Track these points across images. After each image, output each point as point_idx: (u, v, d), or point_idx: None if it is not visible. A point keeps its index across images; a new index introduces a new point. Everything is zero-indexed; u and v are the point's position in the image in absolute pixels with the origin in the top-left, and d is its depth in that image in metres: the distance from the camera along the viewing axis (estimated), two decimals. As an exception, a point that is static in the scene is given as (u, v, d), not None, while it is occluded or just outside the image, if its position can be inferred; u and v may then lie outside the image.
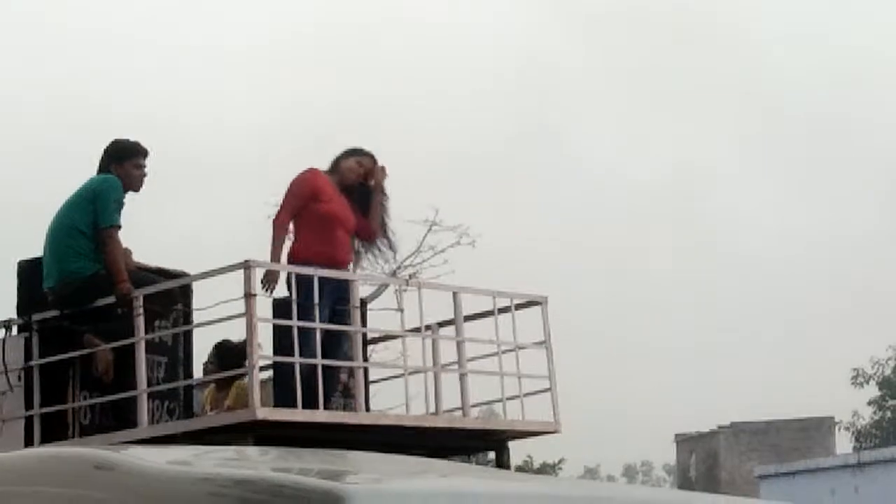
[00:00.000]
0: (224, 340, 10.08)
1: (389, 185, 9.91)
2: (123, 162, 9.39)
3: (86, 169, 9.53)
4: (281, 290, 9.08)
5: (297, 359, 8.58)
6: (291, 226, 9.61)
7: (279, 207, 9.56)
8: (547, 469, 37.69)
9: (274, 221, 9.47)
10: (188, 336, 9.53)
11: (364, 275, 9.47)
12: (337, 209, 9.56)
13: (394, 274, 25.24)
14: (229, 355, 9.81)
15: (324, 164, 9.80)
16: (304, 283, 8.90)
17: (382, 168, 9.84)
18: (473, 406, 9.62)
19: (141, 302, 8.82)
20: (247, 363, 8.54)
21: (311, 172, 9.66)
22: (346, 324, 9.22)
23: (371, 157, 9.86)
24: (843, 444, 53.69)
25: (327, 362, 8.91)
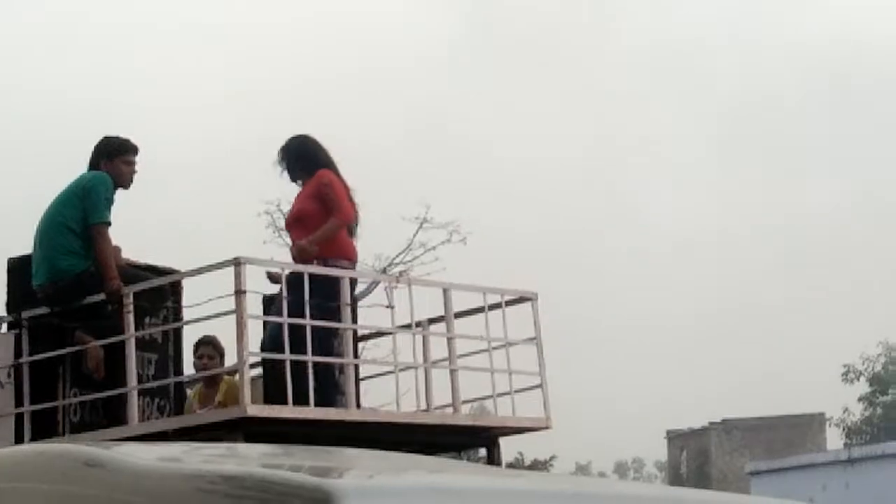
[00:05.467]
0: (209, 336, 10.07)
1: None
2: (114, 158, 9.38)
3: (77, 166, 9.54)
4: (272, 288, 9.07)
5: (287, 355, 8.57)
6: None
7: (337, 202, 9.44)
8: (538, 466, 37.74)
9: (344, 217, 9.44)
10: (178, 333, 9.53)
11: (354, 271, 9.44)
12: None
13: (384, 271, 25.26)
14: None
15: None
16: (297, 281, 8.88)
17: None
18: (464, 402, 9.63)
19: (131, 299, 8.82)
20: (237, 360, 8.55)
21: (333, 174, 9.65)
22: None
23: None
24: (834, 440, 53.90)
25: (317, 359, 8.90)
